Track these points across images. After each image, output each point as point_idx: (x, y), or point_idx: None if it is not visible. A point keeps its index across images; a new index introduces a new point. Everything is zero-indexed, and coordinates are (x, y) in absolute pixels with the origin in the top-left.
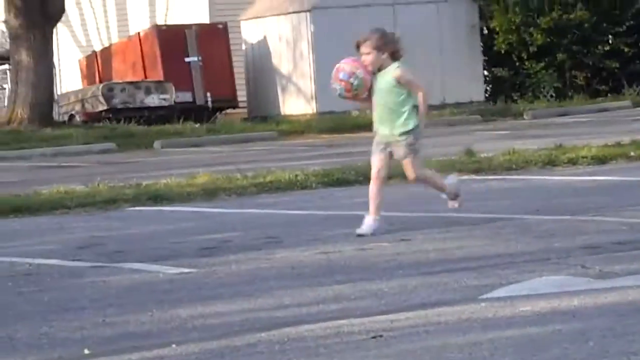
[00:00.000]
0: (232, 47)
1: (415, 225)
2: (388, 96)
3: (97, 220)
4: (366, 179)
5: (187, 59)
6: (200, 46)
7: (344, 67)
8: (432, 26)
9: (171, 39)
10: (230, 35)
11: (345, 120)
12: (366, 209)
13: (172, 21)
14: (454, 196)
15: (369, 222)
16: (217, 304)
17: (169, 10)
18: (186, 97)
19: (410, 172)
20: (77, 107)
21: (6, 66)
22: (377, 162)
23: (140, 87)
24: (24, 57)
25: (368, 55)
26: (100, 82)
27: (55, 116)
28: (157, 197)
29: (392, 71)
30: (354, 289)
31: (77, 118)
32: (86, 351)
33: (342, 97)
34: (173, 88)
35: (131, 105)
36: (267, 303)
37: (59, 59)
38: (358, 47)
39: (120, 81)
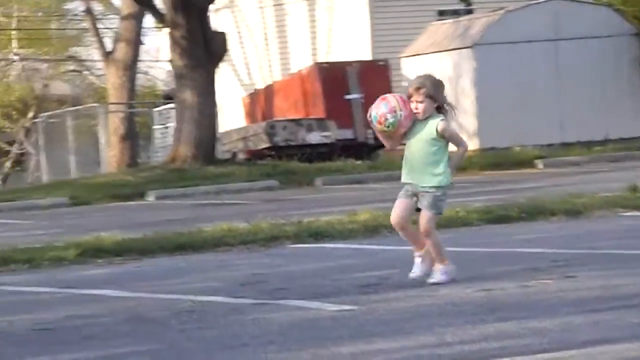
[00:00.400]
0: (393, 84)
1: (579, 262)
2: (425, 147)
3: (259, 258)
4: (530, 216)
5: (348, 96)
6: (361, 83)
7: (390, 100)
8: (595, 61)
9: (333, 76)
10: (392, 72)
11: (507, 157)
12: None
13: (333, 58)
14: (447, 275)
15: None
16: (379, 341)
17: (331, 47)
18: (347, 134)
19: (423, 223)
20: (240, 145)
21: (171, 105)
22: (397, 208)
23: (302, 124)
24: (188, 96)
25: (421, 104)
26: (263, 119)
27: (218, 154)
28: (318, 234)
29: (436, 123)
30: (516, 327)
31: (240, 156)
32: None
33: (371, 124)
34: (334, 125)
35: (293, 143)
36: (428, 340)
37: (222, 97)
38: (410, 95)
39: (283, 119)
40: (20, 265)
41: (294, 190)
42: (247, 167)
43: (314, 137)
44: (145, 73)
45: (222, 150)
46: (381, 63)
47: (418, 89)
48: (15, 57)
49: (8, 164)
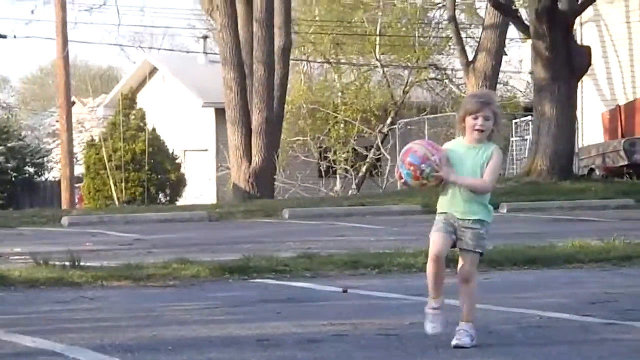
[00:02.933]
0: None
1: None
2: (475, 176)
3: (611, 276)
4: None
5: None
6: None
7: (417, 148)
8: None
9: None
10: None
11: None
12: None
13: None
14: (471, 338)
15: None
16: None
17: None
18: None
19: (466, 265)
20: (597, 161)
21: (529, 117)
22: (438, 242)
23: None
24: (547, 109)
25: (488, 121)
26: (622, 136)
27: (575, 169)
28: None
29: (491, 150)
30: None
31: (597, 172)
32: None
33: (406, 184)
34: None
35: None
36: None
37: (582, 112)
38: (476, 111)
39: None
40: (370, 270)
41: None
42: (604, 184)
43: None
44: (506, 83)
45: (579, 166)
46: None
47: (488, 104)
48: (378, 63)
49: (364, 169)
